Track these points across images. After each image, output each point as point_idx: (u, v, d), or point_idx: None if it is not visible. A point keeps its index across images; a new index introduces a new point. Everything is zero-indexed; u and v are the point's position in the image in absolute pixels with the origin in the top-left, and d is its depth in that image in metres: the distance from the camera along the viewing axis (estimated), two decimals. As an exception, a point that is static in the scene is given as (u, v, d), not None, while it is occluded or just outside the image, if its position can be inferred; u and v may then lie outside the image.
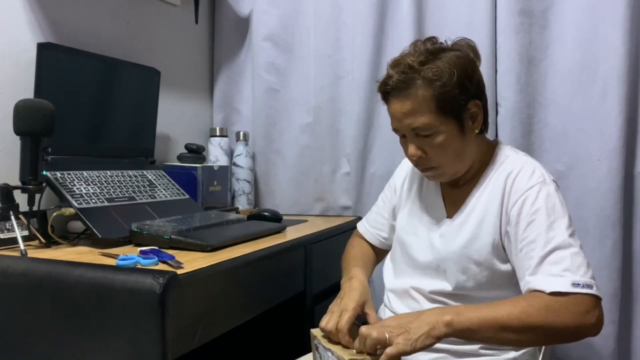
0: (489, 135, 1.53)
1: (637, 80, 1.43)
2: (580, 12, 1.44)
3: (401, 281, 1.12)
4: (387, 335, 0.84)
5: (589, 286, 0.88)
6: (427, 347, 0.85)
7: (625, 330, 1.46)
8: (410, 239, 1.11)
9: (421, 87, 0.95)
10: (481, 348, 1.00)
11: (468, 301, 1.00)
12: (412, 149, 1.00)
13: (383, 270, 1.20)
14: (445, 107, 0.96)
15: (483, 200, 1.02)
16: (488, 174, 1.04)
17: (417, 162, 1.02)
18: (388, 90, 0.99)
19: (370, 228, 1.25)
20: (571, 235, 0.93)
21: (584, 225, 1.44)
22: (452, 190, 1.09)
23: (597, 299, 0.88)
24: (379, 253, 1.25)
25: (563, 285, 0.87)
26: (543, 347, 1.06)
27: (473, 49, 1.02)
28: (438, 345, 1.01)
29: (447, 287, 1.03)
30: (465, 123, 0.99)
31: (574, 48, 1.46)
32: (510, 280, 0.98)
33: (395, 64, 0.99)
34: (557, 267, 0.89)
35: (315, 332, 0.98)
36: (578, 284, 0.87)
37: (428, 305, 1.04)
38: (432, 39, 1.01)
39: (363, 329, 0.87)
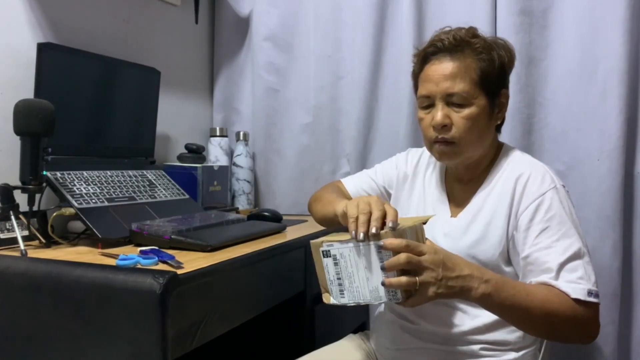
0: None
1: (637, 80, 1.42)
2: (580, 12, 1.44)
3: None
4: (420, 278, 0.81)
5: (597, 295, 0.91)
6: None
7: (625, 330, 1.46)
8: None
9: (469, 56, 0.98)
10: (482, 349, 1.00)
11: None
12: (440, 115, 0.98)
13: None
14: (485, 83, 0.98)
15: (491, 201, 1.02)
16: (495, 174, 1.04)
17: (439, 132, 0.99)
18: (433, 51, 1.00)
19: (357, 186, 1.22)
20: (582, 241, 0.95)
21: (584, 225, 1.42)
22: (457, 187, 1.09)
23: (598, 307, 0.92)
24: None
25: (581, 293, 0.89)
26: (543, 348, 1.06)
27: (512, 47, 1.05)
28: (439, 347, 1.01)
29: None
30: (495, 108, 1.01)
31: (574, 48, 1.45)
32: None
33: (446, 31, 1.01)
34: (574, 274, 0.91)
35: (320, 240, 0.87)
36: (591, 293, 0.90)
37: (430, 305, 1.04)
38: (474, 29, 1.03)
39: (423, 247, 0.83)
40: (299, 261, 1.28)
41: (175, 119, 1.74)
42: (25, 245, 1.01)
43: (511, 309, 0.87)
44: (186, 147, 1.67)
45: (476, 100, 0.98)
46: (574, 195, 1.46)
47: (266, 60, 1.80)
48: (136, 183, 1.34)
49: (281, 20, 1.79)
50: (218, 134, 1.80)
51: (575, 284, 0.90)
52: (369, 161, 1.70)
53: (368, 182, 1.23)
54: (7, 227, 1.09)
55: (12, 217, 1.05)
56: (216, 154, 1.78)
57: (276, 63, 1.80)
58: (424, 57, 1.03)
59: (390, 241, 0.82)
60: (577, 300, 0.89)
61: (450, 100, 0.98)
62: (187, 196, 1.44)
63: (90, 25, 1.42)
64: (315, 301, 1.36)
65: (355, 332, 1.29)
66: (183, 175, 1.53)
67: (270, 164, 1.84)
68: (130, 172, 1.36)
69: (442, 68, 0.98)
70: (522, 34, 1.48)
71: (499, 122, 1.06)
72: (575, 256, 0.92)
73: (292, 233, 1.35)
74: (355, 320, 1.60)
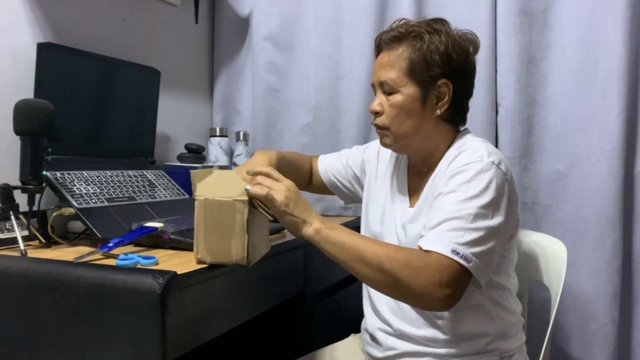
0: (488, 134, 1.54)
1: (637, 80, 1.43)
2: (580, 12, 1.44)
3: None
4: (267, 193, 0.91)
5: (467, 259, 0.86)
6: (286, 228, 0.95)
7: (625, 330, 1.47)
8: (380, 229, 1.13)
9: (404, 47, 1.01)
10: (467, 354, 1.00)
11: None
12: (375, 103, 1.04)
13: None
14: (414, 71, 1.00)
15: (435, 185, 1.01)
16: (444, 160, 1.04)
17: (375, 119, 1.05)
18: (380, 42, 1.06)
19: (328, 167, 1.30)
20: (482, 216, 0.89)
21: (584, 225, 1.44)
22: (416, 179, 1.10)
23: (465, 274, 0.87)
24: (313, 183, 1.31)
25: (442, 248, 0.87)
26: (543, 350, 1.06)
27: (473, 42, 1.05)
28: (423, 349, 1.02)
29: None
30: (429, 98, 1.01)
31: (574, 48, 1.46)
32: None
33: (399, 23, 1.06)
34: (448, 233, 0.88)
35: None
36: (457, 253, 0.86)
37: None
38: (443, 21, 1.05)
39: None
40: (299, 261, 1.28)
41: (175, 119, 1.74)
42: (25, 245, 1.01)
43: (346, 251, 0.89)
44: (186, 147, 1.67)
45: (403, 89, 1.01)
46: (574, 195, 1.47)
47: (266, 60, 1.80)
48: (136, 183, 1.34)
49: (281, 20, 1.79)
50: (218, 134, 1.80)
51: (442, 240, 0.87)
52: (369, 161, 1.70)
53: (335, 166, 1.29)
54: (7, 227, 1.09)
55: (12, 217, 1.05)
56: (216, 154, 1.78)
57: (276, 63, 1.80)
58: (377, 46, 1.08)
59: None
60: (429, 253, 0.87)
61: (383, 89, 1.03)
62: (187, 196, 1.44)
63: (90, 25, 1.42)
64: (315, 301, 1.36)
65: (356, 332, 1.29)
66: (183, 175, 1.53)
67: (270, 164, 1.84)
68: (130, 172, 1.36)
69: (379, 59, 1.05)
70: (522, 34, 1.49)
71: (442, 113, 1.02)
72: (460, 218, 0.88)
73: (292, 233, 1.35)
74: (356, 320, 1.60)
